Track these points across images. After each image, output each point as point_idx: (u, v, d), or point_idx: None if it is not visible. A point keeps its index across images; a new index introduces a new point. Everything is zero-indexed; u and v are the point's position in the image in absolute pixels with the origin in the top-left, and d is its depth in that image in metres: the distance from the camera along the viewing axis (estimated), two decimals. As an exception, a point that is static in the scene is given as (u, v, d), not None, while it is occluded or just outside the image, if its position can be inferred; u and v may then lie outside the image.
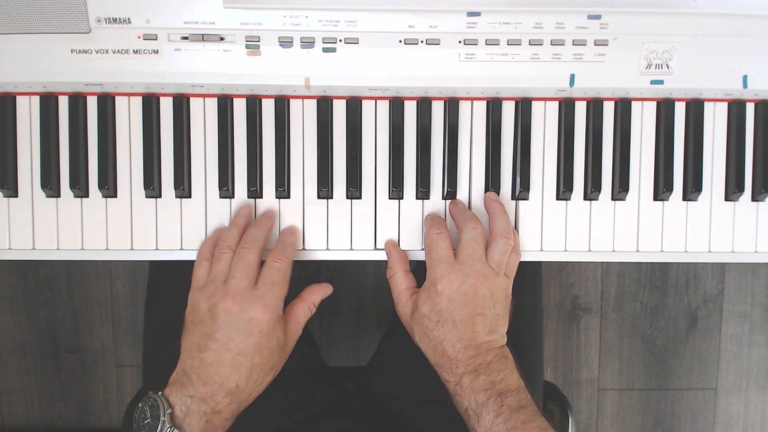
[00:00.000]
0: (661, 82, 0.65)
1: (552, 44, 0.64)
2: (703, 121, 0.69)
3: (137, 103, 0.66)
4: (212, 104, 0.67)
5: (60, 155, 0.66)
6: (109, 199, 0.66)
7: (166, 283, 0.78)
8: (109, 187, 0.66)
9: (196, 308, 0.60)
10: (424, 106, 0.67)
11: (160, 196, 0.67)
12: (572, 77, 0.65)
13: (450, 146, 0.68)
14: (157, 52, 0.62)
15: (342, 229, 0.68)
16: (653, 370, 1.50)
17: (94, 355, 1.44)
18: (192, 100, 0.67)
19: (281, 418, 0.74)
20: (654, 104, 0.69)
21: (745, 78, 0.65)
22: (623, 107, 0.68)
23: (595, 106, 0.68)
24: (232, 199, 0.67)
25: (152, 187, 0.66)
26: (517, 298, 0.65)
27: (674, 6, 0.63)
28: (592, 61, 0.64)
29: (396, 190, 0.67)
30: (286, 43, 0.63)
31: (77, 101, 0.66)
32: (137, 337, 1.42)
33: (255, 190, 0.67)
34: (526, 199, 0.68)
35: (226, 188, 0.66)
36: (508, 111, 0.68)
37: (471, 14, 0.62)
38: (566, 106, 0.68)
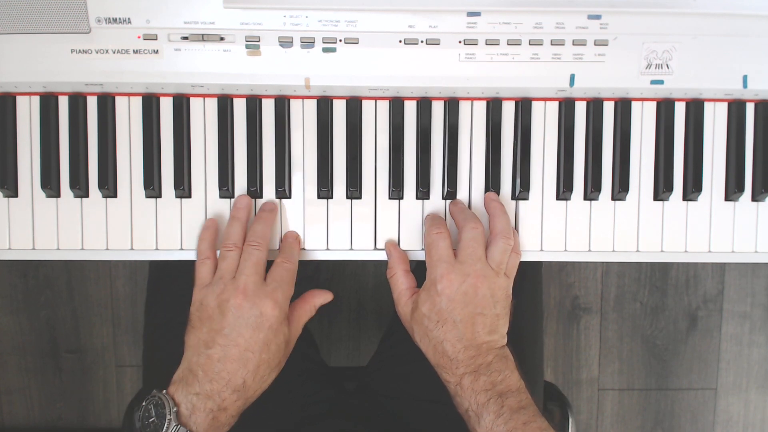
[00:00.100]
0: (661, 82, 0.65)
1: (552, 44, 0.64)
2: (703, 121, 0.69)
3: (137, 103, 0.66)
4: (212, 104, 0.67)
5: (60, 155, 0.66)
6: (109, 199, 0.66)
7: (166, 283, 0.78)
8: (109, 187, 0.66)
9: (204, 305, 0.60)
10: (424, 106, 0.67)
11: (160, 196, 0.67)
12: (572, 77, 0.65)
13: (450, 146, 0.68)
14: (157, 52, 0.62)
15: (342, 229, 0.68)
16: (653, 370, 1.50)
17: (94, 355, 1.44)
18: (192, 100, 0.67)
19: (281, 418, 0.74)
20: (654, 104, 0.69)
21: (745, 78, 0.65)
22: (623, 107, 0.68)
23: (595, 106, 0.68)
24: (232, 199, 0.67)
25: (152, 187, 0.66)
26: (517, 298, 0.65)
27: (674, 6, 0.63)
28: (592, 61, 0.64)
29: (396, 190, 0.67)
30: (286, 43, 0.63)
31: (77, 101, 0.66)
32: (137, 337, 1.42)
33: (255, 190, 0.67)
34: (526, 199, 0.68)
35: (226, 188, 0.66)
36: (508, 111, 0.68)
37: (471, 14, 0.62)
38: (566, 106, 0.68)
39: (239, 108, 0.67)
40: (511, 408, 0.58)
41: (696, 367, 1.50)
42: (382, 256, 0.68)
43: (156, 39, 0.62)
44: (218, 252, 0.65)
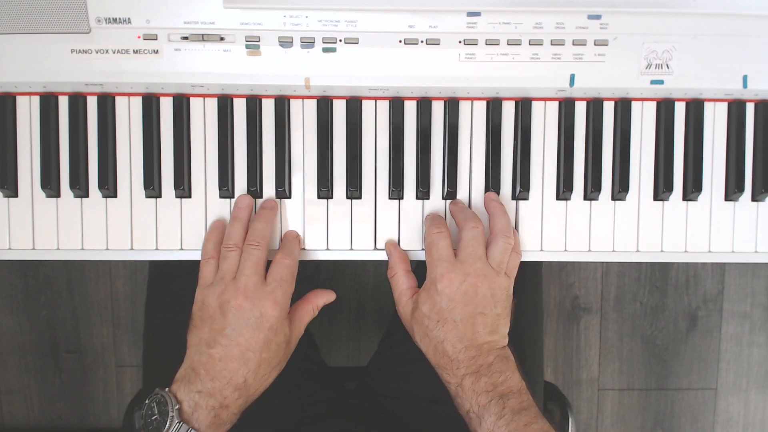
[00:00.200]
0: (661, 82, 0.65)
1: (552, 44, 0.64)
2: (703, 121, 0.69)
3: (137, 103, 0.66)
4: (212, 104, 0.67)
5: (60, 155, 0.66)
6: (109, 199, 0.66)
7: (166, 283, 0.78)
8: (109, 187, 0.66)
9: (205, 305, 0.61)
10: (424, 106, 0.67)
11: (160, 196, 0.67)
12: (572, 77, 0.65)
13: (450, 146, 0.68)
14: (157, 52, 0.62)
15: (342, 229, 0.68)
16: (653, 370, 1.50)
17: (94, 355, 1.44)
18: (192, 100, 0.67)
19: (281, 418, 0.74)
20: (654, 104, 0.69)
21: (745, 78, 0.65)
22: (623, 107, 0.68)
23: (595, 106, 0.68)
24: (232, 199, 0.67)
25: (152, 187, 0.66)
26: (517, 298, 0.65)
27: (674, 6, 0.63)
28: (592, 61, 0.64)
29: (396, 190, 0.67)
30: (286, 43, 0.63)
31: (77, 101, 0.66)
32: (137, 337, 1.42)
33: (255, 190, 0.67)
34: (526, 199, 0.68)
35: (226, 188, 0.66)
36: (508, 111, 0.68)
37: (471, 14, 0.62)
38: (566, 106, 0.68)
39: (239, 108, 0.67)
40: (513, 409, 0.58)
41: (696, 367, 1.50)
42: (382, 256, 0.68)
43: (156, 39, 0.62)
44: None
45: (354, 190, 0.67)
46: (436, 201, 0.68)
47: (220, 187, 0.66)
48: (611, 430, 1.51)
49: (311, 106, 0.67)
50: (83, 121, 0.66)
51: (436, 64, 0.64)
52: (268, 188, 0.67)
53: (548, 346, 1.48)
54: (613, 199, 0.69)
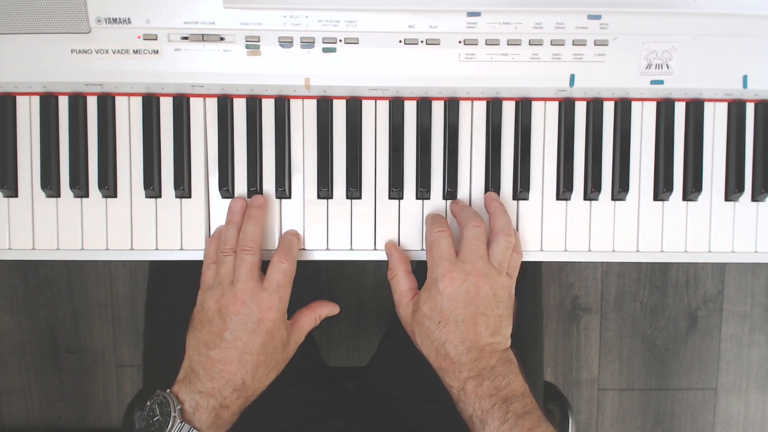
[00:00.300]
0: (661, 82, 0.65)
1: (552, 44, 0.64)
2: (703, 121, 0.69)
3: (137, 103, 0.66)
4: (212, 104, 0.67)
5: (60, 155, 0.66)
6: (109, 199, 0.66)
7: (166, 283, 0.78)
8: (109, 187, 0.66)
9: (205, 308, 0.62)
10: (424, 106, 0.67)
11: (160, 196, 0.67)
12: (572, 77, 0.65)
13: (450, 146, 0.68)
14: (157, 52, 0.62)
15: (342, 229, 0.68)
16: (653, 370, 1.50)
17: (94, 355, 1.44)
18: (192, 100, 0.67)
19: (281, 418, 0.74)
20: (654, 104, 0.69)
21: (745, 78, 0.65)
22: (623, 107, 0.68)
23: (595, 106, 0.68)
24: (232, 199, 0.67)
25: (152, 187, 0.66)
26: (517, 299, 0.65)
27: (674, 6, 0.63)
28: (592, 61, 0.64)
29: (396, 190, 0.67)
30: (286, 43, 0.63)
31: (77, 101, 0.66)
32: (137, 337, 1.42)
33: (255, 190, 0.67)
34: (526, 199, 0.68)
35: (226, 188, 0.66)
36: (508, 111, 0.68)
37: (471, 14, 0.62)
38: (566, 106, 0.68)
39: (239, 108, 0.67)
40: (516, 413, 0.58)
41: (696, 367, 1.50)
42: (382, 256, 0.68)
43: (156, 39, 0.62)
44: None
45: (354, 190, 0.67)
46: (436, 201, 0.68)
47: (220, 188, 0.66)
48: (611, 430, 1.51)
49: (311, 106, 0.67)
50: (83, 121, 0.66)
51: (436, 64, 0.64)
52: (268, 188, 0.67)
53: (548, 346, 1.48)
54: (613, 199, 0.69)
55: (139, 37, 0.62)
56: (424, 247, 0.67)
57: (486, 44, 0.63)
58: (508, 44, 0.63)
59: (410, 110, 0.68)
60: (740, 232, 0.69)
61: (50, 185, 0.66)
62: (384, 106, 0.68)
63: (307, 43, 0.63)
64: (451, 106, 0.67)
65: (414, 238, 0.68)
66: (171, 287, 0.77)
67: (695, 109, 0.68)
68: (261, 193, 0.67)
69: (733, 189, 0.69)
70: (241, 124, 0.67)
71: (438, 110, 0.68)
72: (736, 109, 0.69)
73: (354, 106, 0.67)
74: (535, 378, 0.81)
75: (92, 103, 0.66)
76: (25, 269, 1.41)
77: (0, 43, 0.62)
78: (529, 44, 0.63)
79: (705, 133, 0.69)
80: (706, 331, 1.49)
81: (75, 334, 1.43)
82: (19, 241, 0.66)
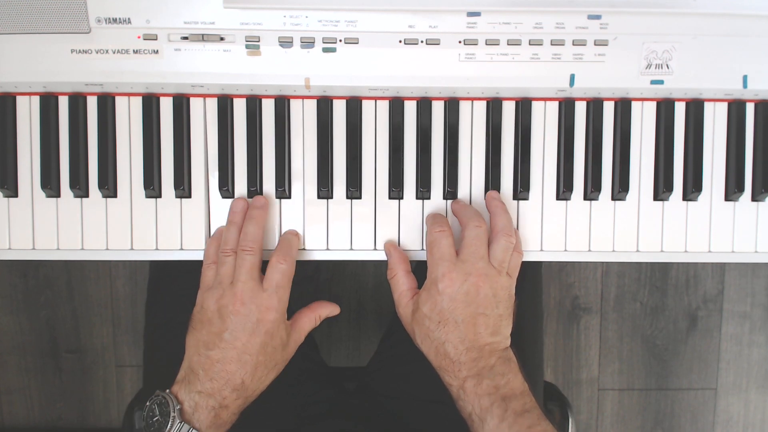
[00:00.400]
0: (661, 82, 0.65)
1: (552, 44, 0.64)
2: (703, 121, 0.69)
3: (137, 103, 0.66)
4: (212, 104, 0.67)
5: (60, 155, 0.66)
6: (109, 199, 0.66)
7: (166, 284, 0.78)
8: (109, 187, 0.66)
9: (205, 308, 0.62)
10: (424, 106, 0.67)
11: (160, 196, 0.67)
12: (572, 77, 0.65)
13: (450, 146, 0.68)
14: (157, 52, 0.62)
15: (342, 229, 0.68)
16: (653, 370, 1.50)
17: (94, 355, 1.44)
18: (192, 100, 0.67)
19: (281, 418, 0.74)
20: (654, 104, 0.69)
21: (745, 78, 0.65)
22: (623, 107, 0.68)
23: (595, 106, 0.68)
24: (233, 199, 0.67)
25: (152, 187, 0.66)
26: (517, 299, 0.65)
27: (674, 6, 0.63)
28: (592, 61, 0.64)
29: (396, 190, 0.67)
30: (286, 43, 0.63)
31: (77, 101, 0.66)
32: (137, 337, 1.42)
33: (255, 190, 0.67)
34: (527, 199, 0.68)
35: (226, 188, 0.66)
36: (508, 111, 0.68)
37: (471, 14, 0.62)
38: (566, 106, 0.68)
39: (239, 108, 0.67)
40: (516, 412, 0.58)
41: (696, 367, 1.50)
42: (382, 256, 0.68)
43: (156, 39, 0.62)
44: None
45: (354, 190, 0.67)
46: (437, 201, 0.68)
47: (220, 187, 0.66)
48: (611, 430, 1.51)
49: (311, 106, 0.67)
50: (83, 121, 0.66)
51: (436, 64, 0.64)
52: (268, 188, 0.67)
53: (548, 346, 1.48)
54: (613, 199, 0.69)
55: (139, 37, 0.62)
56: (424, 247, 0.67)
57: (486, 44, 0.63)
58: (508, 44, 0.63)
59: (410, 110, 0.68)
60: (740, 232, 0.69)
61: (50, 185, 0.66)
62: (384, 106, 0.68)
63: (307, 43, 0.63)
64: (451, 106, 0.67)
65: (414, 238, 0.68)
66: (171, 287, 0.77)
67: (695, 109, 0.68)
68: (261, 193, 0.67)
69: (733, 189, 0.69)
70: (241, 124, 0.67)
71: (438, 110, 0.68)
72: (736, 109, 0.69)
73: (354, 106, 0.67)
74: (535, 378, 0.81)
75: (92, 103, 0.66)
76: (25, 269, 1.41)
77: (0, 43, 0.62)
78: (529, 44, 0.63)
79: (705, 133, 0.69)
80: (706, 331, 1.49)
81: (75, 334, 1.43)
82: (19, 241, 0.66)
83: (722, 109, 0.69)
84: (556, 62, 0.64)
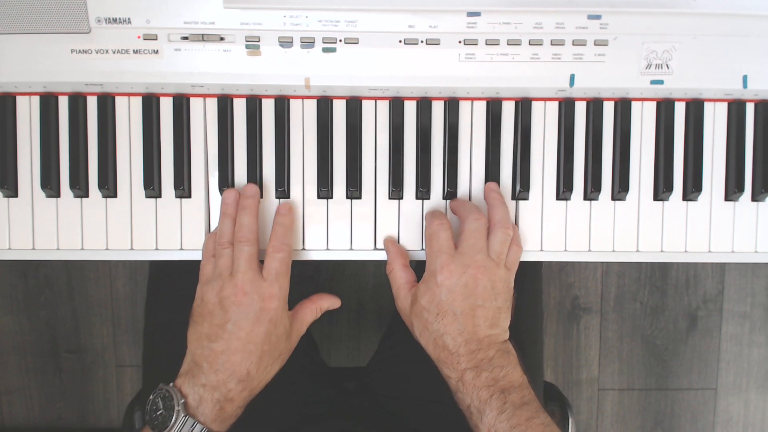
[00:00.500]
0: (661, 82, 0.65)
1: (552, 44, 0.64)
2: (703, 121, 0.69)
3: (137, 103, 0.66)
4: (212, 104, 0.67)
5: (60, 155, 0.66)
6: (109, 199, 0.66)
7: (166, 284, 0.78)
8: (109, 187, 0.66)
9: (205, 301, 0.61)
10: (424, 106, 0.67)
11: (160, 196, 0.67)
12: (572, 77, 0.65)
13: (450, 146, 0.68)
14: (157, 52, 0.62)
15: (342, 229, 0.68)
16: (653, 370, 1.50)
17: (94, 355, 1.44)
18: (192, 100, 0.67)
19: (281, 418, 0.74)
20: (654, 104, 0.69)
21: (745, 78, 0.65)
22: (623, 107, 0.68)
23: (595, 106, 0.68)
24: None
25: (152, 187, 0.66)
26: (517, 298, 0.65)
27: (674, 6, 0.63)
28: (592, 61, 0.64)
29: (396, 190, 0.67)
30: (286, 43, 0.63)
31: (77, 101, 0.66)
32: (137, 337, 1.42)
33: (255, 190, 0.67)
34: (526, 199, 0.68)
35: (226, 188, 0.66)
36: (508, 111, 0.68)
37: (471, 14, 0.62)
38: (566, 106, 0.68)
39: (239, 108, 0.67)
40: (514, 404, 0.58)
41: (696, 367, 1.50)
42: (382, 256, 0.68)
43: (156, 39, 0.62)
44: None
45: (354, 190, 0.67)
46: (436, 201, 0.68)
47: (220, 187, 0.66)
48: (611, 430, 1.51)
49: (311, 106, 0.67)
50: (83, 121, 0.66)
51: (436, 64, 0.64)
52: (268, 188, 0.67)
53: (548, 346, 1.48)
54: (613, 199, 0.69)
55: (139, 37, 0.62)
56: (424, 247, 0.67)
57: (486, 44, 0.63)
58: (508, 44, 0.63)
59: (410, 110, 0.68)
60: (740, 232, 0.69)
61: (50, 185, 0.66)
62: (384, 106, 0.68)
63: (307, 43, 0.63)
64: (451, 106, 0.67)
65: (414, 238, 0.68)
66: (171, 287, 0.77)
67: (695, 109, 0.68)
68: (261, 192, 0.67)
69: (733, 189, 0.69)
70: (241, 124, 0.67)
71: (438, 110, 0.68)
72: (736, 109, 0.69)
73: (354, 106, 0.67)
74: (535, 378, 0.81)
75: (92, 103, 0.66)
76: (25, 269, 1.41)
77: (0, 43, 0.62)
78: (529, 44, 0.63)
79: (705, 133, 0.69)
80: (706, 331, 1.49)
81: (75, 334, 1.43)
82: (19, 241, 0.66)
83: (722, 109, 0.69)
84: (556, 62, 0.64)
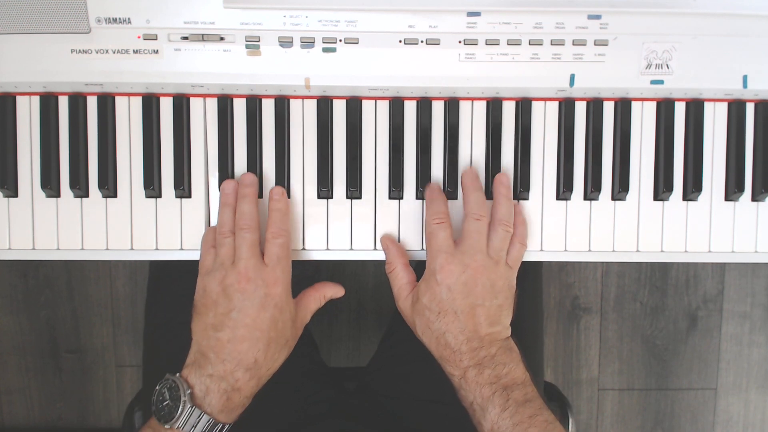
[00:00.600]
0: (661, 82, 0.65)
1: (552, 44, 0.64)
2: (703, 121, 0.69)
3: (137, 103, 0.66)
4: (212, 104, 0.67)
5: (60, 155, 0.66)
6: (109, 199, 0.66)
7: (166, 284, 0.78)
8: (109, 187, 0.66)
9: (207, 291, 0.61)
10: (424, 106, 0.67)
11: (160, 196, 0.67)
12: (572, 77, 0.65)
13: (450, 146, 0.68)
14: (157, 52, 0.62)
15: (342, 229, 0.68)
16: (653, 370, 1.50)
17: (94, 355, 1.44)
18: (192, 100, 0.67)
19: (281, 418, 0.74)
20: (654, 104, 0.69)
21: (745, 78, 0.65)
22: (623, 107, 0.68)
23: (595, 106, 0.68)
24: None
25: (152, 187, 0.66)
26: (518, 288, 0.65)
27: (674, 6, 0.63)
28: (592, 61, 0.64)
29: (396, 190, 0.67)
30: (286, 43, 0.63)
31: (77, 101, 0.66)
32: (137, 337, 1.42)
33: (255, 190, 0.67)
34: (526, 199, 0.68)
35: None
36: (508, 111, 0.68)
37: (471, 14, 0.62)
38: (566, 106, 0.68)
39: (239, 108, 0.67)
40: (517, 401, 0.58)
41: (696, 367, 1.50)
42: (382, 256, 0.68)
43: (156, 39, 0.62)
44: None
45: (354, 190, 0.67)
46: (436, 201, 0.68)
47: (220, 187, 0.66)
48: (611, 430, 1.51)
49: (311, 106, 0.67)
50: (83, 121, 0.66)
51: (436, 64, 0.64)
52: (268, 188, 0.67)
53: (548, 346, 1.48)
54: (613, 199, 0.69)
55: (139, 37, 0.62)
56: (425, 247, 0.67)
57: (486, 44, 0.63)
58: (508, 44, 0.63)
59: (410, 110, 0.68)
60: (740, 232, 0.69)
61: (50, 185, 0.65)
62: (384, 106, 0.68)
63: (307, 43, 0.63)
64: (451, 106, 0.67)
65: (414, 238, 0.68)
66: (171, 287, 0.77)
67: (695, 109, 0.68)
68: (261, 192, 0.67)
69: (733, 189, 0.69)
70: (241, 124, 0.67)
71: (438, 110, 0.68)
72: (736, 109, 0.69)
73: (354, 106, 0.67)
74: (536, 378, 0.80)
75: (92, 103, 0.66)
76: (25, 269, 1.41)
77: (0, 43, 0.62)
78: (529, 44, 0.63)
79: (705, 133, 0.69)
80: (706, 331, 1.49)
81: (75, 334, 1.43)
82: (19, 241, 0.66)
83: (722, 109, 0.69)
84: (556, 62, 0.64)
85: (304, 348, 0.69)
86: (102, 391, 1.45)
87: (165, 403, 0.57)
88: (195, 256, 0.66)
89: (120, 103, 0.66)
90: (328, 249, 0.68)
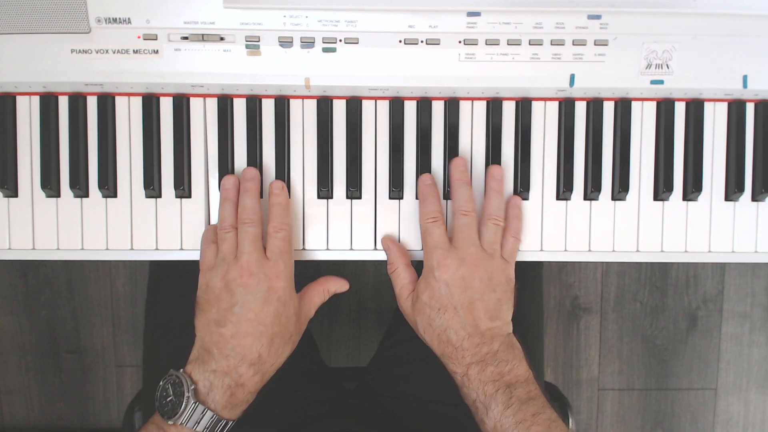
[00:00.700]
0: (661, 82, 0.65)
1: (552, 44, 0.64)
2: (703, 121, 0.69)
3: (137, 103, 0.66)
4: (212, 104, 0.67)
5: (60, 155, 0.66)
6: (109, 199, 0.66)
7: (167, 284, 0.78)
8: (109, 187, 0.66)
9: (210, 287, 0.61)
10: (424, 106, 0.67)
11: (160, 196, 0.67)
12: (572, 77, 0.65)
13: (450, 146, 0.68)
14: (157, 52, 0.62)
15: (342, 229, 0.68)
16: (653, 370, 1.50)
17: (94, 355, 1.44)
18: (192, 100, 0.67)
19: (281, 418, 0.74)
20: (654, 104, 0.69)
21: (745, 78, 0.65)
22: (623, 107, 0.68)
23: (595, 106, 0.68)
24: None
25: (152, 187, 0.66)
26: (517, 298, 0.65)
27: (674, 6, 0.63)
28: (592, 61, 0.64)
29: (396, 190, 0.67)
30: (286, 43, 0.63)
31: (77, 101, 0.66)
32: (137, 337, 1.42)
33: (255, 190, 0.67)
34: (526, 199, 0.68)
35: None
36: (508, 111, 0.68)
37: (471, 14, 0.62)
38: (566, 106, 0.68)
39: (239, 108, 0.67)
40: (520, 399, 0.58)
41: (696, 367, 1.50)
42: (382, 256, 0.68)
43: (156, 39, 0.62)
44: None
45: (354, 190, 0.67)
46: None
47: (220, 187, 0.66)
48: (611, 430, 1.51)
49: (311, 106, 0.67)
50: (83, 121, 0.66)
51: (436, 64, 0.64)
52: (268, 188, 0.67)
53: (548, 346, 1.48)
54: (613, 199, 0.69)
55: (139, 37, 0.62)
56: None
57: (486, 44, 0.63)
58: (508, 44, 0.63)
59: (410, 110, 0.68)
60: (740, 232, 0.69)
61: (50, 185, 0.65)
62: (384, 106, 0.68)
63: (307, 43, 0.63)
64: (451, 106, 0.67)
65: (414, 238, 0.68)
66: (171, 287, 0.77)
67: (695, 109, 0.68)
68: (261, 193, 0.67)
69: (733, 189, 0.69)
70: (241, 124, 0.67)
71: (438, 110, 0.68)
72: (736, 109, 0.69)
73: (354, 106, 0.67)
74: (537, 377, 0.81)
75: (92, 103, 0.66)
76: (25, 269, 1.41)
77: (0, 43, 0.62)
78: (529, 44, 0.63)
79: (705, 133, 0.69)
80: (706, 331, 1.49)
81: (75, 334, 1.43)
82: (19, 241, 0.66)
83: (722, 109, 0.69)
84: (556, 62, 0.64)
85: (304, 348, 0.69)
86: (102, 391, 1.45)
87: (168, 399, 0.57)
88: (195, 256, 0.66)
89: (120, 103, 0.66)
90: (328, 249, 0.68)
